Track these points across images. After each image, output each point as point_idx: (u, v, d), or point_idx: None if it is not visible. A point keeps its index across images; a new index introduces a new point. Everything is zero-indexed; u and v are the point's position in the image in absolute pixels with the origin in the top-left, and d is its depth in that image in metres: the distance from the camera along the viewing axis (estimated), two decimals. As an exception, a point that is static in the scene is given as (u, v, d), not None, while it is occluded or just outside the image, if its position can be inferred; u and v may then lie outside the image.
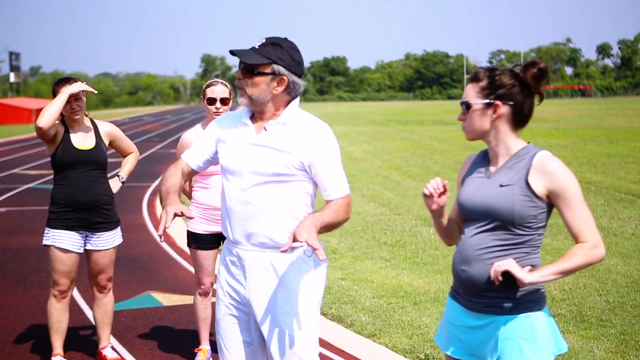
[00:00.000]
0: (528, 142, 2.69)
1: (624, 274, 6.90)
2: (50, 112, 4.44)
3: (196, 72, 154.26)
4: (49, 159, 4.73)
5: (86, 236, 4.71)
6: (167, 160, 20.20)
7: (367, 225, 9.78)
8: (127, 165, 5.04)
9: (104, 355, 4.93)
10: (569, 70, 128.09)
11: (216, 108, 4.66)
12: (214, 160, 3.18)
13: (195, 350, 5.01)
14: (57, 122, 4.59)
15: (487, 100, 2.65)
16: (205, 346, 4.95)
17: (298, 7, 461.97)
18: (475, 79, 2.69)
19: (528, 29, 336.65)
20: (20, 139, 31.80)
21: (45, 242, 4.69)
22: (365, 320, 5.67)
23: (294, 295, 3.02)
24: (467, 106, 2.69)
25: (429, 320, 5.63)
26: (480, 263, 2.64)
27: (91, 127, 4.77)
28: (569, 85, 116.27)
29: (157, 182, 15.26)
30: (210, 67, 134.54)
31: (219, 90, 4.70)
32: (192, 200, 4.83)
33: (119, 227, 4.86)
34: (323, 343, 5.08)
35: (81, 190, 4.64)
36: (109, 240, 4.77)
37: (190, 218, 3.15)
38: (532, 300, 2.63)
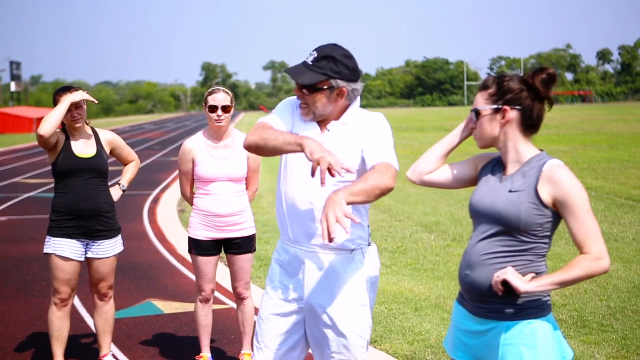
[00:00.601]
0: (541, 150, 2.70)
1: (625, 279, 6.90)
2: (51, 120, 4.46)
3: (196, 80, 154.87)
4: (49, 167, 4.74)
5: (87, 244, 4.72)
6: (167, 169, 20.21)
7: (368, 231, 9.75)
8: (128, 174, 5.06)
9: (105, 363, 4.93)
10: (569, 76, 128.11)
11: (217, 116, 4.68)
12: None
13: (196, 357, 5.00)
14: (58, 130, 4.61)
15: (495, 106, 2.67)
16: (206, 353, 4.95)
17: (298, 14, 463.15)
18: (484, 87, 2.72)
19: (528, 35, 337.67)
20: (21, 148, 31.84)
21: (46, 250, 4.69)
22: (366, 326, 5.66)
23: (350, 296, 3.06)
24: (476, 113, 2.72)
25: (429, 326, 5.62)
26: (483, 268, 2.65)
27: (92, 135, 4.79)
28: (569, 91, 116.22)
29: (157, 190, 15.28)
30: (210, 74, 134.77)
31: (220, 97, 4.71)
32: (193, 206, 4.84)
33: (119, 235, 4.87)
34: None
35: (82, 198, 4.65)
36: (109, 248, 4.78)
37: None
38: (535, 307, 2.63)
